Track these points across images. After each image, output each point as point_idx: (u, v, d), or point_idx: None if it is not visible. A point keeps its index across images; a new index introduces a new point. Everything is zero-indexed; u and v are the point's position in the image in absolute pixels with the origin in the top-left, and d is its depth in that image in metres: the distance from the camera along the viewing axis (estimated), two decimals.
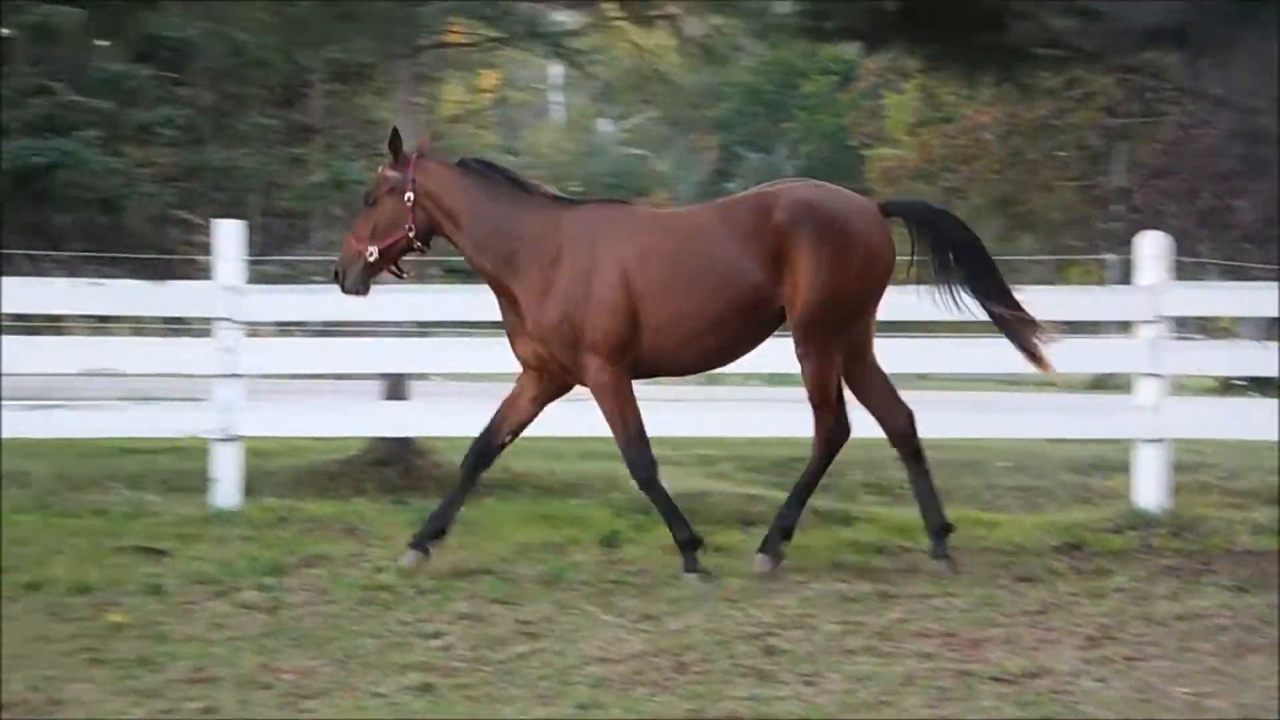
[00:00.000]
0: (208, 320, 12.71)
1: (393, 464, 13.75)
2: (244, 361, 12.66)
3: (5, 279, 13.13)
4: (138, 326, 18.48)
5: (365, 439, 14.06)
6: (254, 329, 13.13)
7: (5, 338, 12.71)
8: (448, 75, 32.20)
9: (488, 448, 10.47)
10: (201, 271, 14.74)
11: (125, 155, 37.77)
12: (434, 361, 14.25)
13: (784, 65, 50.75)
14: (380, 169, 10.51)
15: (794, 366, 10.52)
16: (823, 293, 10.07)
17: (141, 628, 8.37)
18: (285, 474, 13.64)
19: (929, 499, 10.64)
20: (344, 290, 10.36)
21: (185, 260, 27.98)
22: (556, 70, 50.15)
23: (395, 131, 10.57)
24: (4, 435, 13.38)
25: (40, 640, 8.05)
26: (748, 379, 22.00)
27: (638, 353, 10.18)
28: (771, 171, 49.00)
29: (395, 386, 14.05)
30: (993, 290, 10.47)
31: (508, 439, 10.52)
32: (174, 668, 7.61)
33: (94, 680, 7.39)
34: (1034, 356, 10.47)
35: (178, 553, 10.37)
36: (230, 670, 7.59)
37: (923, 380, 21.26)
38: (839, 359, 10.27)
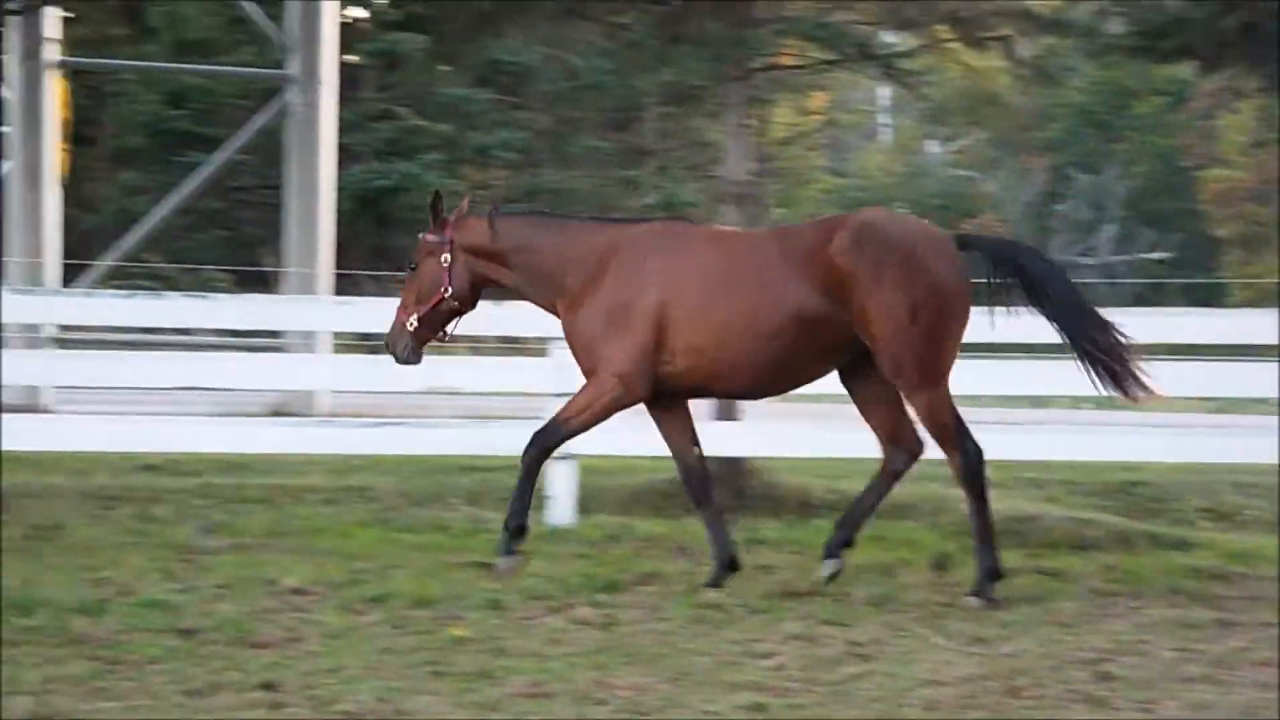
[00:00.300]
0: (543, 340, 12.94)
1: (723, 484, 13.85)
2: (577, 380, 12.87)
3: (357, 299, 13.54)
4: (475, 346, 18.94)
5: None
6: None
7: (348, 357, 13.10)
8: (778, 97, 32.34)
9: (695, 476, 10.54)
10: None
11: (464, 178, 38.58)
12: None
13: (1115, 85, 49.94)
14: (420, 235, 10.68)
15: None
16: (900, 324, 9.83)
17: (481, 642, 8.54)
18: (618, 492, 13.83)
19: (861, 518, 10.55)
20: (398, 362, 10.61)
21: None
22: (885, 92, 49.99)
23: (437, 194, 10.76)
24: (348, 451, 13.84)
25: (386, 652, 8.26)
26: (1078, 402, 21.70)
27: (664, 375, 10.19)
28: (1101, 193, 48.29)
29: (726, 407, 14.14)
30: (1080, 326, 10.07)
31: (697, 461, 10.54)
32: (512, 682, 7.74)
33: (436, 692, 7.56)
34: (1130, 386, 10.04)
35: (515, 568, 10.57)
36: (566, 686, 7.71)
37: (1261, 405, 20.72)
38: (945, 387, 10.05)
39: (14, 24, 24.14)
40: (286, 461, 15.50)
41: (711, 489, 10.59)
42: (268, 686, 7.51)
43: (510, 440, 13.25)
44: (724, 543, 10.40)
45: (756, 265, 10.12)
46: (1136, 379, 10.03)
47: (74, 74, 28.99)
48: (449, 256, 10.47)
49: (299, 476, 15.05)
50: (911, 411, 10.16)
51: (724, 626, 9.07)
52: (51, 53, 25.38)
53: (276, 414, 19.01)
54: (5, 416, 12.86)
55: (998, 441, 12.87)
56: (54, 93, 25.86)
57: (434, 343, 10.72)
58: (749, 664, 8.22)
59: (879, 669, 8.17)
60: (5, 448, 13.82)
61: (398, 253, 36.91)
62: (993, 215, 48.22)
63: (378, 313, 14.24)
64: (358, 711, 7.23)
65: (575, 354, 10.43)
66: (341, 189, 28.74)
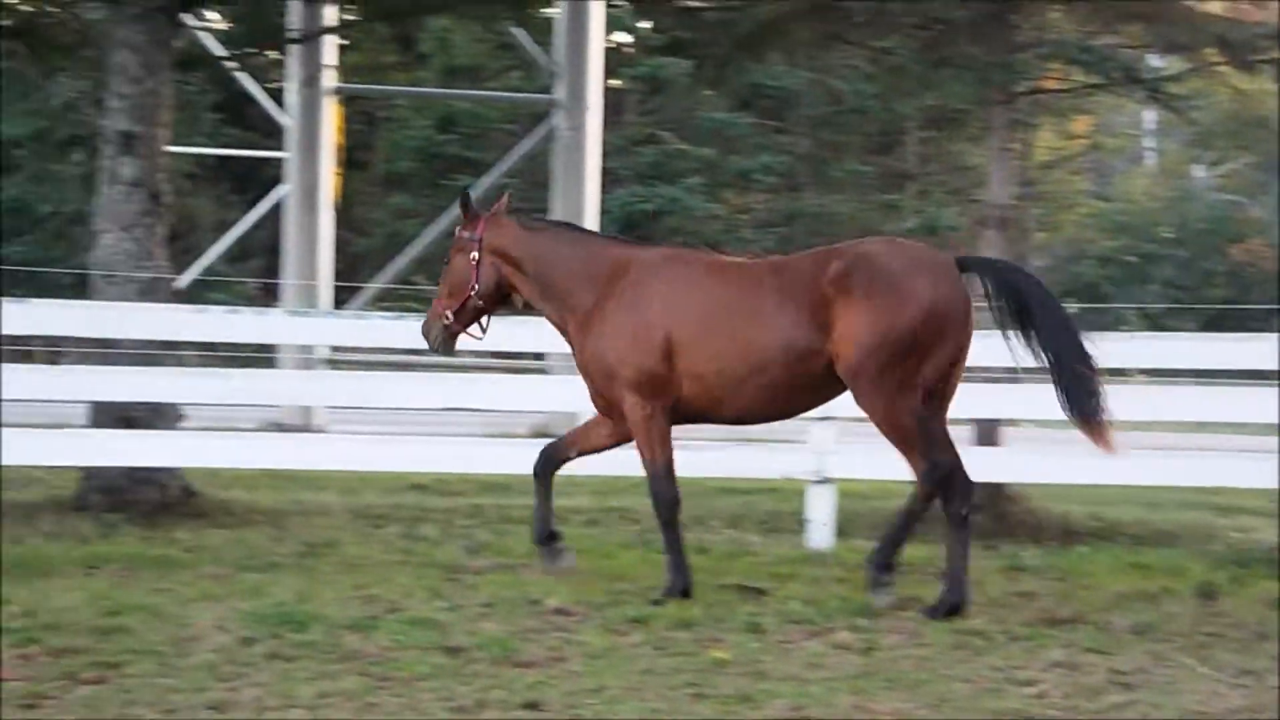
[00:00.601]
0: None
1: (984, 509, 13.78)
2: (836, 404, 12.90)
3: None
4: None
5: None
6: None
7: None
8: (1042, 121, 32.06)
9: (552, 459, 10.97)
10: None
11: (725, 201, 38.73)
12: (1026, 408, 13.99)
13: None
14: (457, 230, 10.84)
15: None
16: (869, 340, 9.96)
17: (741, 665, 8.57)
18: (876, 516, 13.80)
19: (899, 535, 10.44)
20: (431, 350, 10.85)
21: None
22: (1151, 115, 49.21)
23: (465, 191, 11.03)
24: (611, 473, 13.93)
25: (648, 674, 8.34)
26: None
27: (677, 396, 10.36)
28: None
29: (987, 432, 14.09)
30: (1065, 352, 10.11)
31: (572, 455, 10.96)
32: (773, 705, 7.77)
33: (697, 715, 7.63)
34: (1090, 427, 10.08)
35: (775, 592, 10.57)
36: (826, 710, 7.73)
37: None
38: (908, 403, 10.03)
39: (294, 52, 24.78)
40: None
41: (550, 479, 10.94)
42: (532, 705, 7.65)
43: (773, 463, 13.38)
44: (546, 528, 10.92)
45: (753, 297, 10.27)
46: (1104, 423, 10.08)
47: (349, 100, 29.67)
48: (477, 255, 10.64)
49: (562, 498, 15.14)
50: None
51: (985, 653, 9.03)
52: (329, 79, 25.99)
53: (539, 435, 19.25)
54: (281, 435, 13.20)
55: None
56: (330, 118, 26.48)
57: (466, 337, 10.86)
58: (1010, 691, 8.19)
59: (1143, 699, 8.09)
60: (282, 466, 14.23)
61: None
62: (1260, 240, 47.23)
63: None
64: None
65: (591, 379, 10.59)
66: (605, 212, 29.05)
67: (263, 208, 31.38)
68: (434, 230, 29.62)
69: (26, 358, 23.49)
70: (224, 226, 33.98)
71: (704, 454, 13.53)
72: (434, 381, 14.03)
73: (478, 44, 38.45)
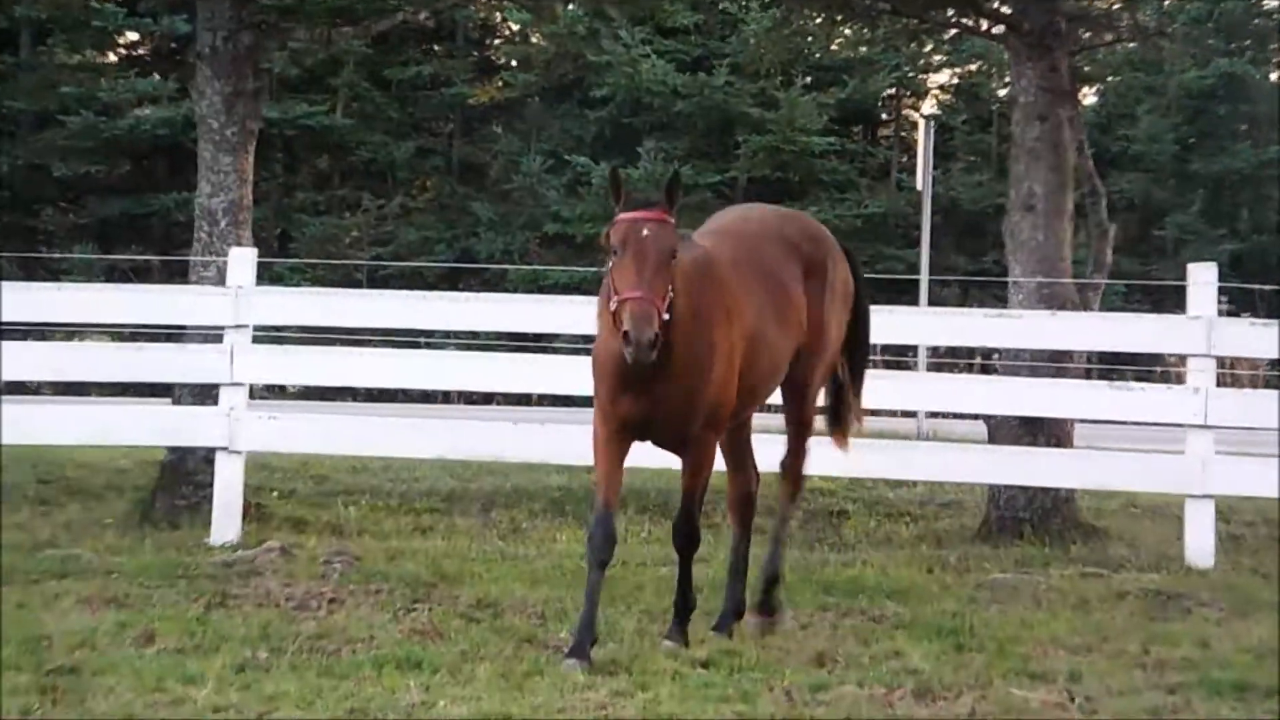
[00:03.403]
0: None
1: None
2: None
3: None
4: None
5: None
6: None
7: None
8: None
9: (612, 536, 8.86)
10: None
11: None
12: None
13: None
14: (663, 216, 8.49)
15: None
16: (836, 326, 9.64)
17: None
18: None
19: (737, 569, 9.72)
20: (643, 355, 8.15)
21: None
22: None
23: (676, 175, 8.77)
24: None
25: None
26: None
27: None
28: None
29: None
30: (860, 360, 10.22)
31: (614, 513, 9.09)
32: None
33: None
34: (839, 425, 10.20)
35: None
36: None
37: None
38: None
39: None
40: None
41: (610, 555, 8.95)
42: None
43: None
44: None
45: (779, 277, 9.42)
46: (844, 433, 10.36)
47: None
48: (677, 252, 8.49)
49: None
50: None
51: None
52: None
53: None
54: None
55: None
56: None
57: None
58: None
59: None
60: None
61: None
62: None
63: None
64: None
65: (677, 414, 8.75)
66: None
67: None
68: None
69: None
70: None
71: None
72: None
73: None
